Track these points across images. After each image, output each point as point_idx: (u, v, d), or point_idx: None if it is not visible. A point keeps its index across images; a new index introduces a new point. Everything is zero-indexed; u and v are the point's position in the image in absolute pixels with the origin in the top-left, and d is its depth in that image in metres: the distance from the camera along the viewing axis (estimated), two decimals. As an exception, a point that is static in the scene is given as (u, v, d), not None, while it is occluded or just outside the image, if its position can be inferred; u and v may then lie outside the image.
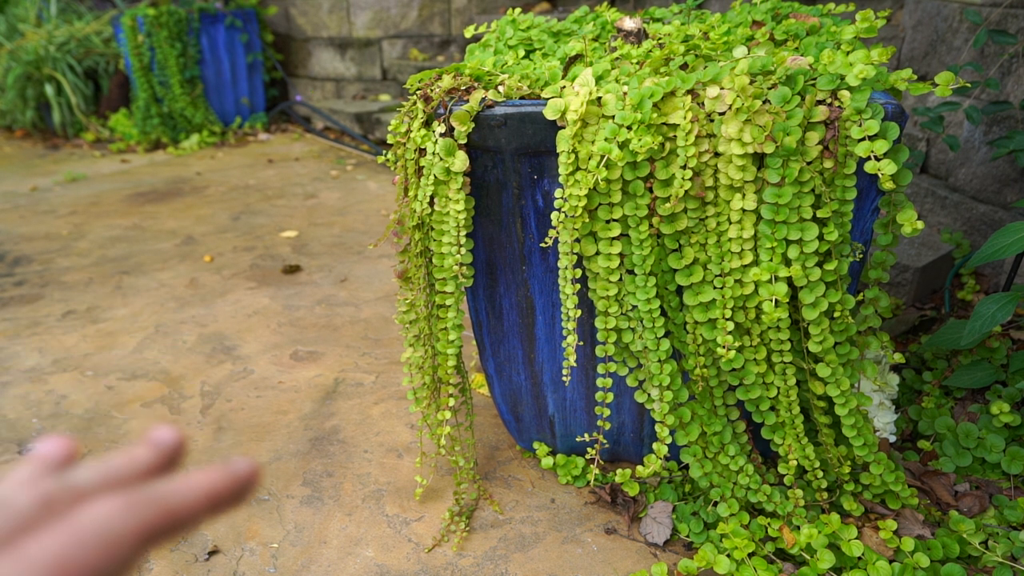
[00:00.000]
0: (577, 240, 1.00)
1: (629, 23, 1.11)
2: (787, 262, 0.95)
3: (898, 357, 1.07)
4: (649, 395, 1.10)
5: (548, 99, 0.97)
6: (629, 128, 0.91)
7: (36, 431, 1.50)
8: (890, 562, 1.04)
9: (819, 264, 0.97)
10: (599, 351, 1.08)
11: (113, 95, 4.08)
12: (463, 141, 1.00)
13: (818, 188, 0.92)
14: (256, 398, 1.60)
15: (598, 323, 1.06)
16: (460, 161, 0.99)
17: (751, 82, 0.91)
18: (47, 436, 0.28)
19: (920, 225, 0.93)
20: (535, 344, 1.21)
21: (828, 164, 0.91)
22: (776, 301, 0.94)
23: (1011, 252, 1.11)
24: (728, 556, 1.07)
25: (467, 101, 1.01)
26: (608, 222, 0.99)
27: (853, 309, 1.06)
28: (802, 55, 0.99)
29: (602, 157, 0.92)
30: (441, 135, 1.00)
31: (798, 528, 1.10)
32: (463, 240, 1.04)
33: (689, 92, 0.92)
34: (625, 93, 0.93)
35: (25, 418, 1.54)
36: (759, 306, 0.99)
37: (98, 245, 2.52)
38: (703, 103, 0.92)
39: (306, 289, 2.13)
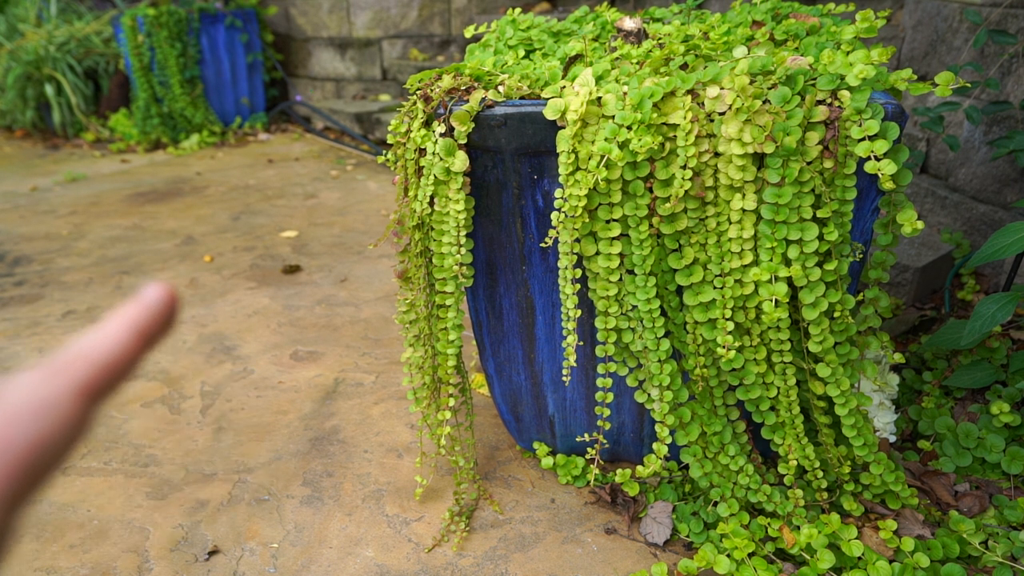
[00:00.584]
0: (577, 240, 1.00)
1: (629, 23, 1.11)
2: (787, 262, 0.95)
3: (898, 357, 1.06)
4: (649, 395, 1.10)
5: (548, 99, 0.97)
6: (629, 128, 0.91)
7: (36, 431, 1.50)
8: (890, 562, 1.04)
9: (819, 264, 0.97)
10: (599, 351, 1.08)
11: (113, 95, 4.08)
12: (463, 141, 1.00)
13: (818, 188, 0.92)
14: (256, 398, 1.60)
15: (598, 323, 1.06)
16: (460, 161, 0.99)
17: (751, 82, 0.91)
18: None
19: (920, 225, 0.93)
20: (535, 344, 1.21)
21: (828, 164, 0.91)
22: (776, 301, 0.94)
23: (1011, 252, 1.11)
24: (728, 556, 1.07)
25: (467, 101, 1.01)
26: (608, 222, 0.99)
27: (853, 309, 1.06)
28: (802, 55, 0.99)
29: (602, 157, 0.92)
30: (441, 135, 1.00)
31: (798, 528, 1.10)
32: (463, 240, 1.04)
33: (689, 92, 0.92)
34: (625, 93, 0.93)
35: (25, 418, 1.54)
36: (759, 306, 0.99)
37: (98, 245, 2.52)
38: (703, 103, 0.92)
39: (306, 289, 2.13)
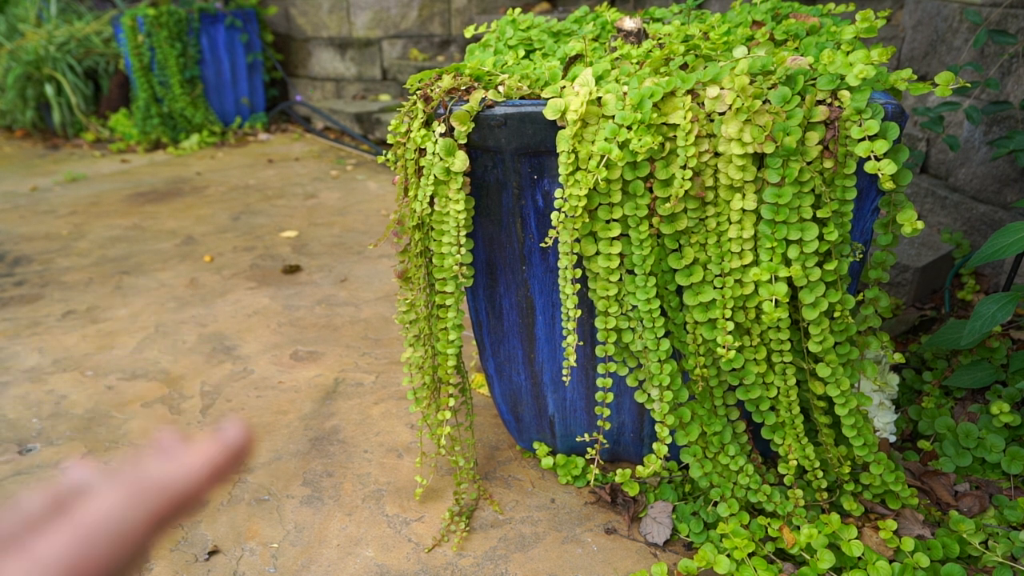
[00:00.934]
0: (577, 240, 1.00)
1: (629, 23, 1.11)
2: (787, 262, 0.95)
3: (898, 357, 1.06)
4: (649, 395, 1.10)
5: (548, 99, 0.97)
6: (629, 128, 0.91)
7: (36, 431, 1.50)
8: (890, 562, 1.04)
9: (819, 264, 0.97)
10: (599, 351, 1.08)
11: (113, 95, 4.08)
12: (463, 141, 1.00)
13: (818, 188, 0.92)
14: (256, 398, 1.60)
15: (598, 323, 1.06)
16: (460, 161, 0.99)
17: (751, 82, 0.91)
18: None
19: (920, 225, 0.93)
20: (535, 344, 1.21)
21: (828, 164, 0.91)
22: (776, 301, 0.94)
23: (1011, 252, 1.11)
24: (728, 556, 1.07)
25: (467, 101, 1.01)
26: (608, 222, 0.99)
27: (853, 309, 1.06)
28: (802, 55, 0.99)
29: (602, 157, 0.92)
30: (441, 135, 1.00)
31: (798, 528, 1.10)
32: (463, 240, 1.04)
33: (689, 92, 0.92)
34: (625, 93, 0.93)
35: (25, 418, 1.54)
36: (759, 306, 0.99)
37: (98, 245, 2.52)
38: (703, 103, 0.92)
39: (306, 289, 2.13)
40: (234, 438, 0.29)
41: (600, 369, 1.10)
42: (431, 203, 1.05)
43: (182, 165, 3.56)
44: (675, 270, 1.01)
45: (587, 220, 0.98)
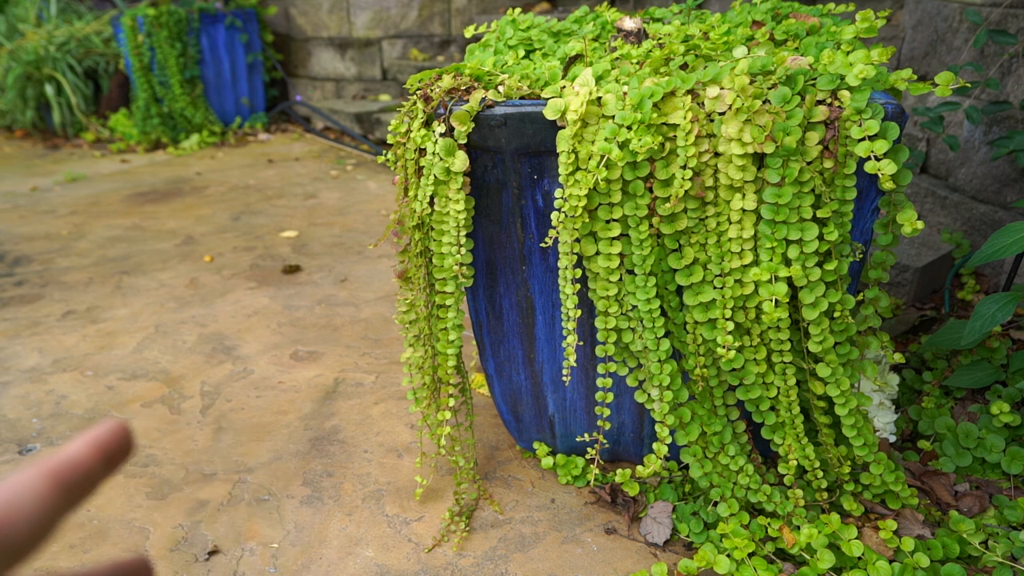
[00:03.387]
0: (577, 240, 1.00)
1: (629, 23, 1.11)
2: (787, 262, 0.95)
3: (898, 357, 1.07)
4: (649, 395, 1.10)
5: (548, 99, 0.97)
6: (629, 128, 0.91)
7: (36, 431, 1.50)
8: (890, 562, 1.04)
9: (819, 264, 0.97)
10: (599, 351, 1.08)
11: (113, 95, 4.08)
12: (463, 141, 1.00)
13: (818, 188, 0.92)
14: (256, 398, 1.60)
15: (598, 323, 1.06)
16: (460, 161, 0.99)
17: (751, 82, 0.91)
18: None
19: (920, 225, 0.93)
20: (535, 344, 1.21)
21: (828, 164, 0.91)
22: (776, 301, 0.94)
23: (1011, 252, 1.11)
24: (728, 556, 1.07)
25: (467, 101, 1.01)
26: (608, 222, 0.99)
27: (853, 309, 1.06)
28: (802, 55, 0.99)
29: (602, 157, 0.92)
30: (441, 135, 1.00)
31: (798, 528, 1.10)
32: (463, 240, 1.04)
33: (689, 92, 0.92)
34: (625, 93, 0.93)
35: (25, 418, 1.54)
36: (759, 306, 0.99)
37: (98, 245, 2.52)
38: (703, 103, 0.92)
39: (306, 289, 2.13)
40: (108, 426, 0.31)
41: (600, 369, 1.10)
42: (431, 203, 1.05)
43: (182, 165, 3.56)
44: (675, 270, 1.01)
45: (587, 220, 0.98)
